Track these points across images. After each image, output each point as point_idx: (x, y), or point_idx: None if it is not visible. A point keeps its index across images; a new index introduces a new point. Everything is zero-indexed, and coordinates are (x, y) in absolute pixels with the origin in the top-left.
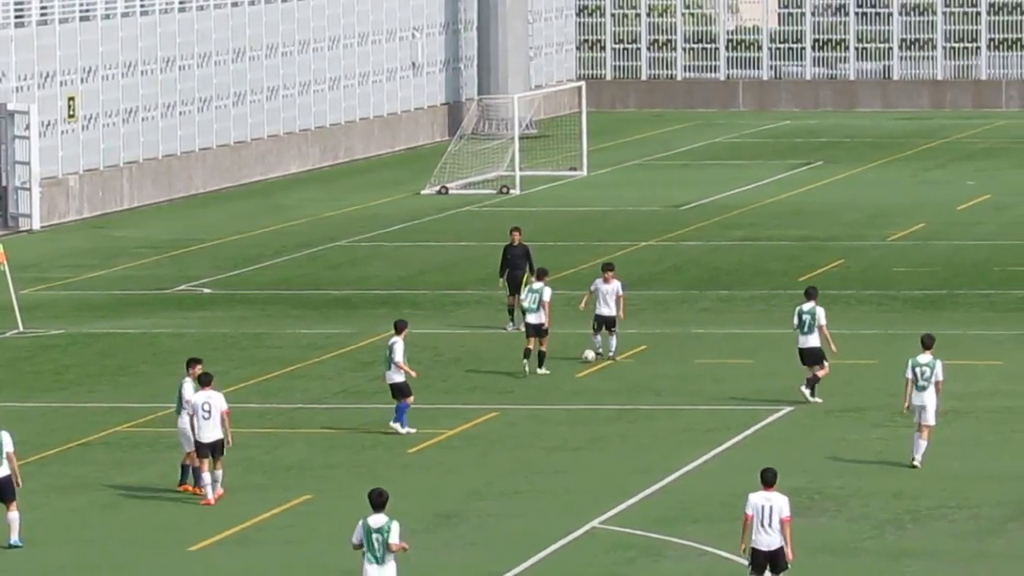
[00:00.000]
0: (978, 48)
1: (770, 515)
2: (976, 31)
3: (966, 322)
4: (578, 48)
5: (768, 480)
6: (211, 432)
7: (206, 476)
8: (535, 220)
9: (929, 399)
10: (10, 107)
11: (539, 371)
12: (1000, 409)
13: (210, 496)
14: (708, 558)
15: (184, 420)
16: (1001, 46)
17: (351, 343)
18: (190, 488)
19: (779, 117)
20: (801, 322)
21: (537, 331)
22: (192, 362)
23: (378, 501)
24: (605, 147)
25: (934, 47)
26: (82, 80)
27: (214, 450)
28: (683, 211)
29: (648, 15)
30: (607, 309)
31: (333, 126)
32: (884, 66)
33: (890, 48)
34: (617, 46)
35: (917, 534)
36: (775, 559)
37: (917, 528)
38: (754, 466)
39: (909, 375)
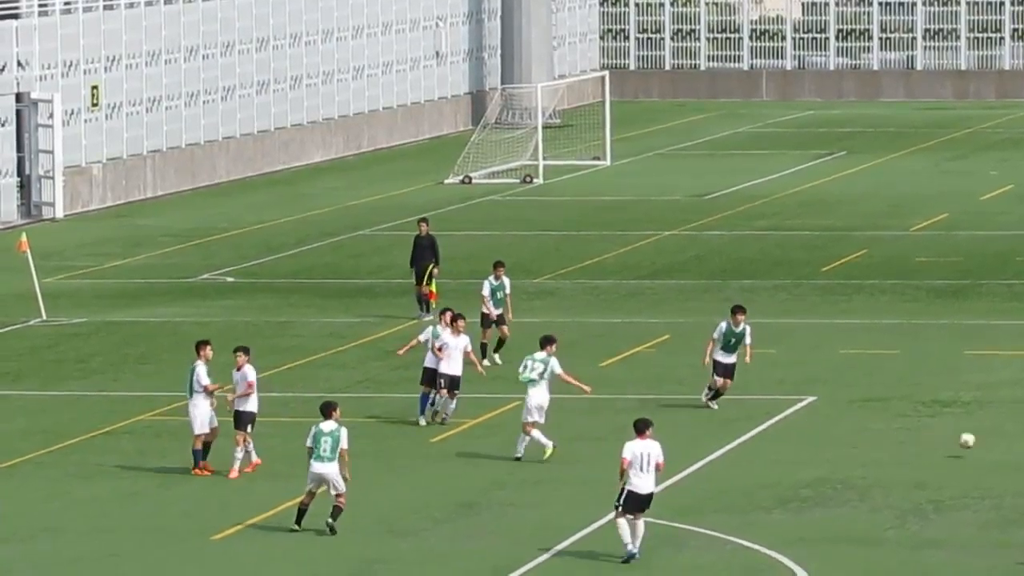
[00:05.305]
0: (1002, 38)
1: (648, 461)
2: (1000, 21)
3: (988, 312)
4: (602, 38)
5: (640, 428)
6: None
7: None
8: (558, 210)
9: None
10: (34, 96)
11: (495, 358)
12: (1022, 399)
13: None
14: (730, 547)
15: (196, 404)
16: None
17: (373, 332)
18: (207, 470)
19: (802, 107)
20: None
21: (495, 322)
22: (201, 344)
23: (326, 411)
24: (628, 137)
25: (958, 37)
26: (106, 69)
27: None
28: (706, 201)
29: (672, 5)
30: (452, 366)
31: (356, 115)
32: (908, 56)
33: (914, 38)
34: (641, 36)
35: (939, 524)
36: (647, 503)
37: (939, 518)
38: (776, 456)
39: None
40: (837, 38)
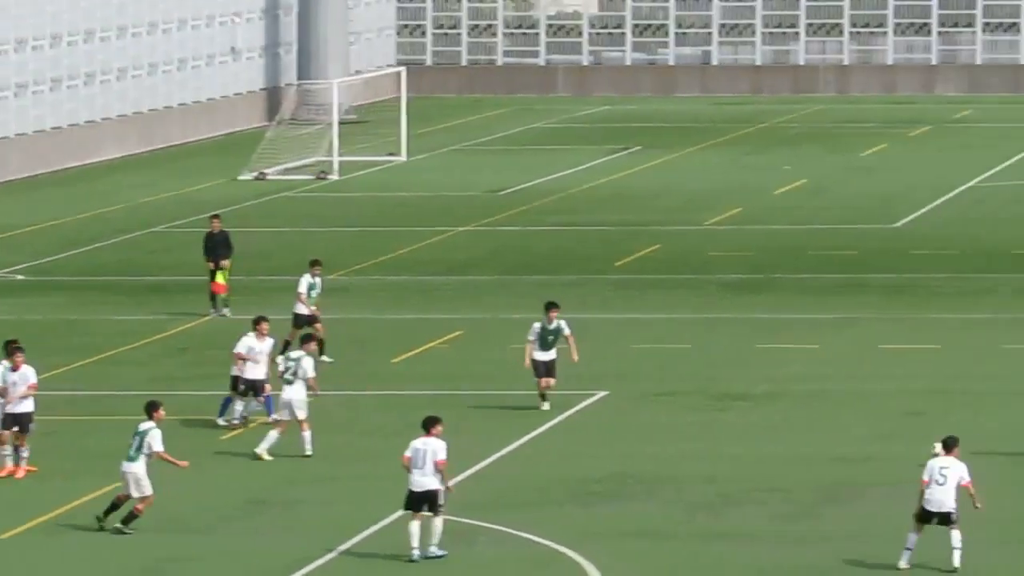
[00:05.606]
0: (796, 33)
1: (424, 458)
2: (794, 17)
3: (779, 306)
4: (398, 33)
5: (426, 426)
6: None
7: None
8: (353, 206)
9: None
10: None
11: (324, 359)
12: (814, 392)
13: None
14: (521, 543)
15: None
16: (819, 32)
17: (166, 330)
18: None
19: (598, 103)
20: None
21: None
22: (9, 344)
23: (147, 411)
24: (425, 132)
25: (753, 33)
26: None
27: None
28: (502, 196)
29: (469, 0)
30: (255, 371)
31: (151, 112)
32: (703, 51)
33: (709, 33)
34: (437, 31)
35: (729, 517)
36: (430, 499)
37: (729, 511)
38: (568, 451)
39: None
40: (633, 33)
